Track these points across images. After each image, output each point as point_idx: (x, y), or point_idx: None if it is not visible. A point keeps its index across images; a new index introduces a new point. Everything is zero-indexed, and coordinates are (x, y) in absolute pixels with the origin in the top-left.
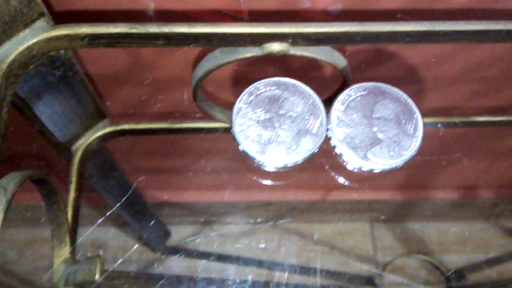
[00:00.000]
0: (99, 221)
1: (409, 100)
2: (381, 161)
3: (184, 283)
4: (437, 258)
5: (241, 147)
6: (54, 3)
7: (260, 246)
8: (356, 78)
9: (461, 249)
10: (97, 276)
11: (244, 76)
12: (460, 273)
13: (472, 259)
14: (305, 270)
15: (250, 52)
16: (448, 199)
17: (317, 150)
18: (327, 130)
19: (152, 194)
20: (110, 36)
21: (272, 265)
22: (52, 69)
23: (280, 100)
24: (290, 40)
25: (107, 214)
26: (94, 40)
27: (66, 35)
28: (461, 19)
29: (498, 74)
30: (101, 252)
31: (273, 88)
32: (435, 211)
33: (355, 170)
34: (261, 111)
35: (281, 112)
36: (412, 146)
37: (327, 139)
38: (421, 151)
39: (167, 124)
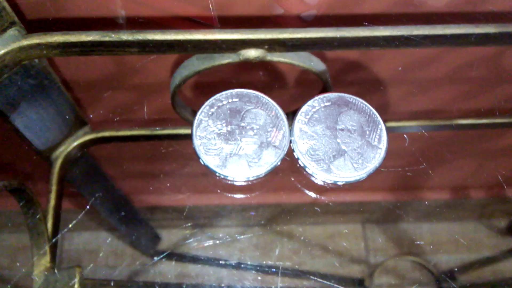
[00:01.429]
0: (70, 226)
1: (374, 111)
2: (344, 173)
3: None
4: (430, 258)
5: (201, 161)
6: (26, 11)
7: (251, 250)
8: (339, 82)
9: (453, 249)
10: (76, 286)
11: (228, 80)
12: (452, 274)
13: (464, 260)
14: (296, 272)
15: (227, 58)
16: (440, 200)
17: (279, 163)
18: (290, 142)
19: (139, 198)
20: (82, 44)
21: (262, 268)
22: (27, 78)
23: (242, 112)
24: (266, 46)
25: (78, 218)
26: (67, 48)
27: (38, 44)
28: (439, 23)
29: (481, 75)
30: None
31: (235, 99)
32: (427, 212)
33: (320, 183)
34: (222, 123)
35: (243, 124)
36: (376, 157)
37: (292, 151)
38: (406, 154)
39: (148, 131)
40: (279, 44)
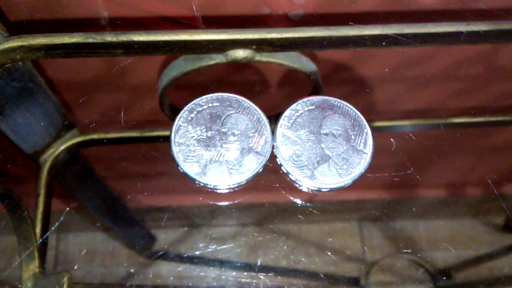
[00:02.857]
0: (52, 228)
1: (359, 114)
2: (328, 179)
3: None
4: (426, 256)
5: (180, 169)
6: (8, 13)
7: (248, 249)
8: (329, 83)
9: (450, 247)
10: None
11: (211, 82)
12: (448, 271)
13: (461, 257)
14: (293, 271)
15: (214, 59)
16: (436, 197)
17: (261, 169)
18: (273, 147)
19: (133, 199)
20: (66, 46)
21: (258, 268)
22: (11, 81)
23: (223, 117)
24: (254, 47)
25: (60, 219)
26: (50, 51)
27: (21, 46)
28: (430, 21)
29: (473, 74)
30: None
31: (215, 104)
32: (423, 209)
33: (304, 189)
34: (202, 129)
35: (223, 129)
36: (361, 162)
37: (275, 157)
38: (402, 152)
39: (137, 133)
40: (267, 44)
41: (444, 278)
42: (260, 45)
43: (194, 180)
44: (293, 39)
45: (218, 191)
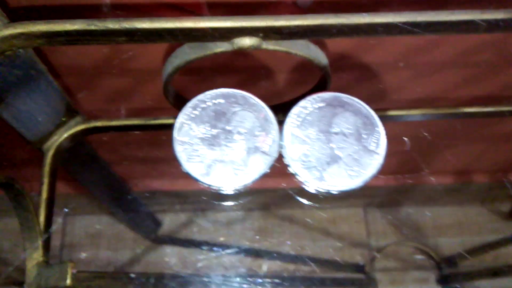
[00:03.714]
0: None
1: (372, 112)
2: (338, 182)
3: (166, 280)
4: (432, 242)
5: (183, 168)
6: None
7: (253, 234)
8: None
9: (456, 233)
10: (68, 281)
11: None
12: (453, 258)
13: (467, 243)
14: (298, 257)
15: (220, 47)
16: (442, 184)
17: (268, 170)
18: (280, 147)
19: (138, 183)
20: (67, 33)
21: (264, 253)
22: (13, 69)
23: (228, 114)
24: (261, 34)
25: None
26: (51, 38)
27: (21, 33)
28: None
29: (488, 60)
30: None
31: (220, 100)
32: (429, 196)
33: (312, 191)
34: (206, 126)
35: (228, 127)
36: (373, 164)
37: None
38: (407, 138)
39: (141, 120)
40: (275, 32)
41: (449, 265)
42: (267, 33)
43: (197, 181)
44: (301, 27)
45: (223, 192)
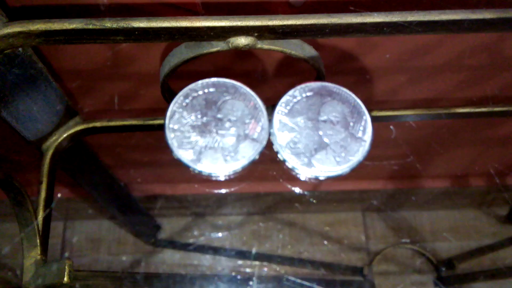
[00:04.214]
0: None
1: (358, 101)
2: (326, 167)
3: (161, 280)
4: (430, 245)
5: (174, 155)
6: None
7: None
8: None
9: (454, 237)
10: (65, 279)
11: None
12: (451, 261)
13: (465, 247)
14: (297, 260)
15: (216, 46)
16: (440, 188)
17: (257, 156)
18: (270, 134)
19: (139, 187)
20: (65, 32)
21: (263, 256)
22: (12, 68)
23: (219, 103)
24: (256, 34)
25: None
26: (50, 37)
27: (20, 32)
28: (434, 9)
29: (482, 62)
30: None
31: (211, 89)
32: (427, 200)
33: (301, 178)
34: (198, 115)
35: (219, 115)
36: (360, 150)
37: (271, 144)
38: (405, 142)
39: (140, 121)
40: (269, 31)
41: (447, 268)
42: (262, 32)
43: (189, 167)
44: (295, 26)
45: (214, 178)
